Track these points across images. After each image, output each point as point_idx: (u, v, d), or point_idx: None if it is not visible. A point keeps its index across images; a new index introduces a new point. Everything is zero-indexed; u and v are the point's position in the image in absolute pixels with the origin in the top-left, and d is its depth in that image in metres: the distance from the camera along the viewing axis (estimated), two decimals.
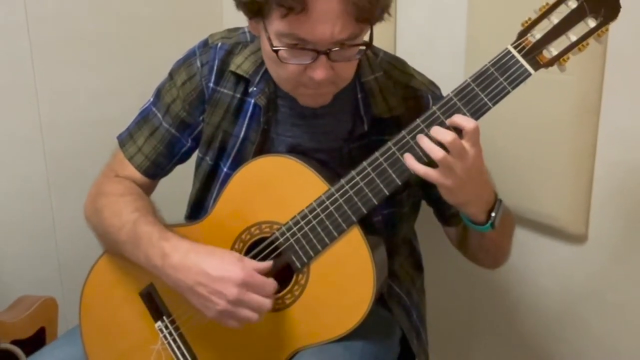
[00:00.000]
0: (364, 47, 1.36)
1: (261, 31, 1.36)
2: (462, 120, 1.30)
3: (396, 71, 1.58)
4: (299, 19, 1.26)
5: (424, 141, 1.31)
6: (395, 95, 1.54)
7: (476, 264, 1.68)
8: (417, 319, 1.70)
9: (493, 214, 1.42)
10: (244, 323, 1.39)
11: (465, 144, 1.29)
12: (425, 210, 1.70)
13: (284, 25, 1.29)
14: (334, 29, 1.28)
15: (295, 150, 1.54)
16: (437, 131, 1.30)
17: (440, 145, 1.29)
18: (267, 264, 1.41)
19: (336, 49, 1.31)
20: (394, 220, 1.60)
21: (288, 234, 1.44)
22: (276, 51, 1.32)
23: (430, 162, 1.32)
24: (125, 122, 1.69)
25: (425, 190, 1.62)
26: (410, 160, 1.33)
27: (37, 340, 2.08)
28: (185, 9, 2.53)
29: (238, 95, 1.56)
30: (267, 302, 1.38)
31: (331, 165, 1.52)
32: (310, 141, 1.54)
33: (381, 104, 1.53)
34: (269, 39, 1.33)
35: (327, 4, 1.25)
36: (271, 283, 1.39)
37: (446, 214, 1.65)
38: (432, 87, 1.60)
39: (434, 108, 1.34)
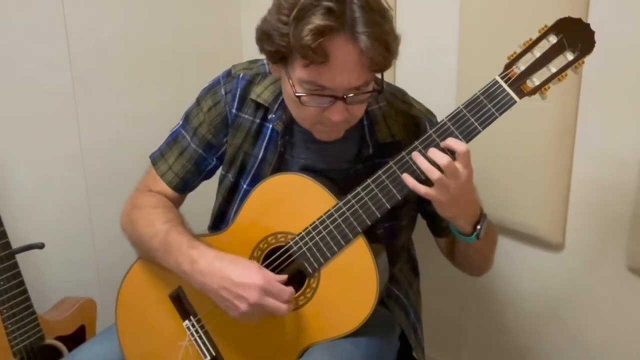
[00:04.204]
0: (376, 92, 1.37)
1: (283, 76, 1.36)
2: (455, 143, 1.29)
3: (397, 101, 1.58)
4: (319, 69, 1.26)
5: (422, 162, 1.31)
6: (397, 123, 1.54)
7: (462, 271, 1.67)
8: (414, 318, 1.69)
9: (478, 227, 1.41)
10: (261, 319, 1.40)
11: (458, 165, 1.29)
12: (421, 223, 1.69)
13: (306, 74, 1.29)
14: (350, 77, 1.28)
15: (307, 171, 1.53)
16: (434, 153, 1.30)
17: (437, 166, 1.29)
18: (283, 277, 1.39)
19: (351, 94, 1.31)
20: (394, 232, 1.59)
21: (301, 243, 1.43)
22: (298, 97, 1.32)
23: (427, 180, 1.31)
24: (156, 143, 1.68)
25: (421, 205, 1.62)
26: (410, 181, 1.33)
27: (77, 337, 2.07)
28: (209, 43, 2.54)
29: (257, 121, 1.55)
30: (283, 307, 1.36)
31: (339, 184, 1.52)
32: (321, 163, 1.54)
33: (384, 131, 1.52)
34: (292, 85, 1.33)
35: (346, 57, 1.25)
36: (288, 290, 1.37)
37: (438, 227, 1.65)
38: (429, 115, 1.60)
39: (430, 132, 1.33)
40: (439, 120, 1.55)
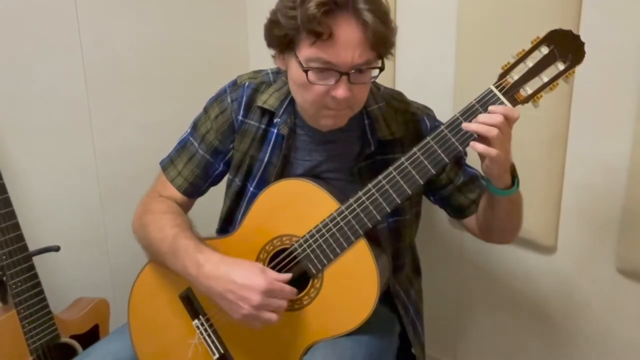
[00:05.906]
0: (377, 72, 1.38)
1: (291, 61, 1.38)
2: (497, 108, 1.29)
3: (395, 101, 1.60)
4: (325, 45, 1.30)
5: (476, 126, 1.30)
6: (396, 121, 1.55)
7: (499, 240, 1.62)
8: (413, 314, 1.69)
9: (516, 175, 1.42)
10: (265, 324, 1.39)
11: (498, 119, 1.28)
12: (421, 225, 1.69)
13: (313, 51, 1.31)
14: (354, 53, 1.31)
15: (312, 172, 1.54)
16: (483, 117, 1.30)
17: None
18: (287, 275, 1.40)
19: (354, 71, 1.32)
20: (398, 227, 1.60)
21: (305, 245, 1.44)
22: (306, 72, 1.33)
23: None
24: (166, 150, 1.69)
25: (434, 194, 1.63)
26: (480, 146, 1.30)
27: (91, 336, 2.07)
28: (217, 55, 2.54)
29: (263, 126, 1.56)
30: (284, 303, 1.38)
31: (342, 181, 1.53)
32: (325, 163, 1.54)
33: (384, 129, 1.53)
34: (300, 64, 1.34)
35: (349, 34, 1.29)
36: (289, 289, 1.38)
37: (461, 207, 1.62)
38: (426, 110, 1.62)
39: (428, 138, 1.34)
40: (436, 114, 1.57)
